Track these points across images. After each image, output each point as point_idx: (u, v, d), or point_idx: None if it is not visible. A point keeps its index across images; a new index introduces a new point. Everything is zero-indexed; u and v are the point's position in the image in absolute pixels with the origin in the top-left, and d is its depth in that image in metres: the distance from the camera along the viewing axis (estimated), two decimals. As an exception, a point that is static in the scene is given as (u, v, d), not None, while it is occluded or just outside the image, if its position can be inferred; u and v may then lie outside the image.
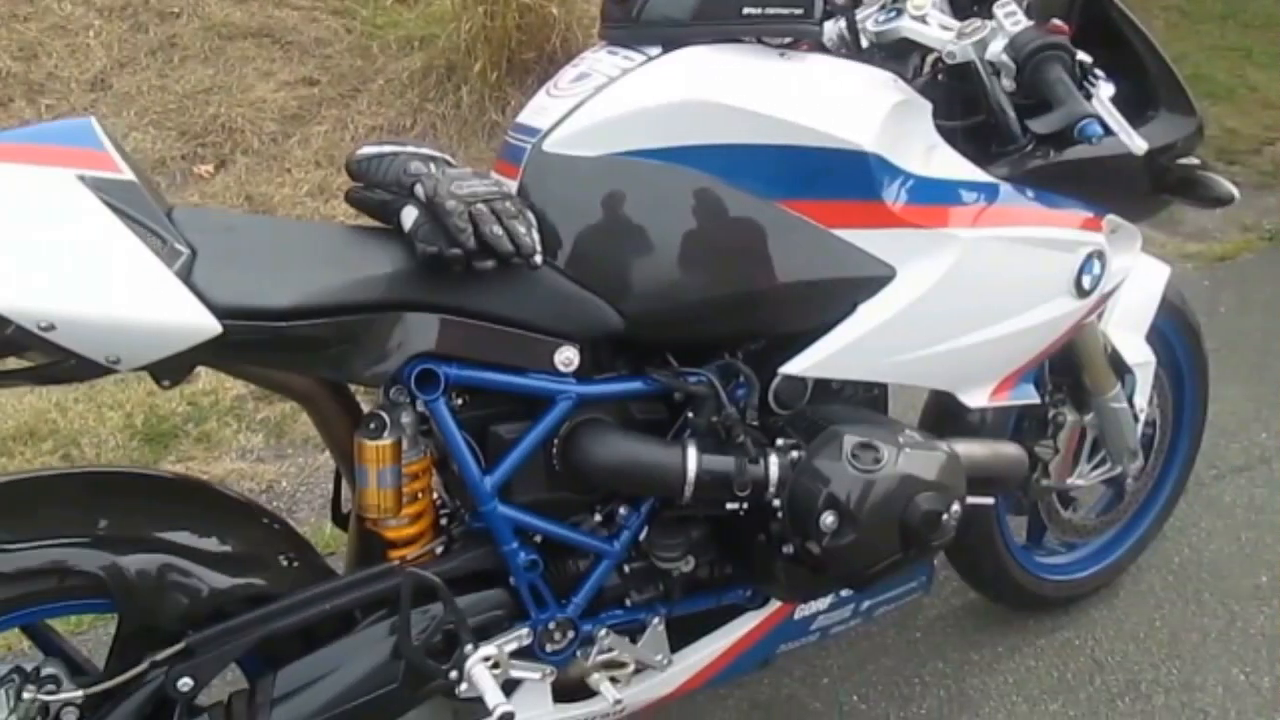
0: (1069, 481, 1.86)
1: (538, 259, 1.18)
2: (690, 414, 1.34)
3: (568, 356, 1.27)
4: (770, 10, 1.33)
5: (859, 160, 1.31)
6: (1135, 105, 1.54)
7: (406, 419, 1.25)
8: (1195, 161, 1.67)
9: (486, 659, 1.29)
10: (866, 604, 1.65)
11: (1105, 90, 1.39)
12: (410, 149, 1.24)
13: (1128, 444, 1.83)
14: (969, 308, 1.43)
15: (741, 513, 1.35)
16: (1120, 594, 2.13)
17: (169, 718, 1.18)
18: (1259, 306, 3.42)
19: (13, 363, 1.04)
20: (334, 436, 1.31)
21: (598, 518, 1.37)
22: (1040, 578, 2.00)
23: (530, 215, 1.21)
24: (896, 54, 1.50)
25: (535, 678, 1.37)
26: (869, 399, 1.51)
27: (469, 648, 1.28)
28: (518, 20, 3.74)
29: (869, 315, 1.36)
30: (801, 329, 1.36)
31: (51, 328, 0.96)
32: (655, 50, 1.33)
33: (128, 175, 1.06)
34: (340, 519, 1.45)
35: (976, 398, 1.51)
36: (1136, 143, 1.36)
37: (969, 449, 1.47)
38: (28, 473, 1.32)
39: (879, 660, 1.95)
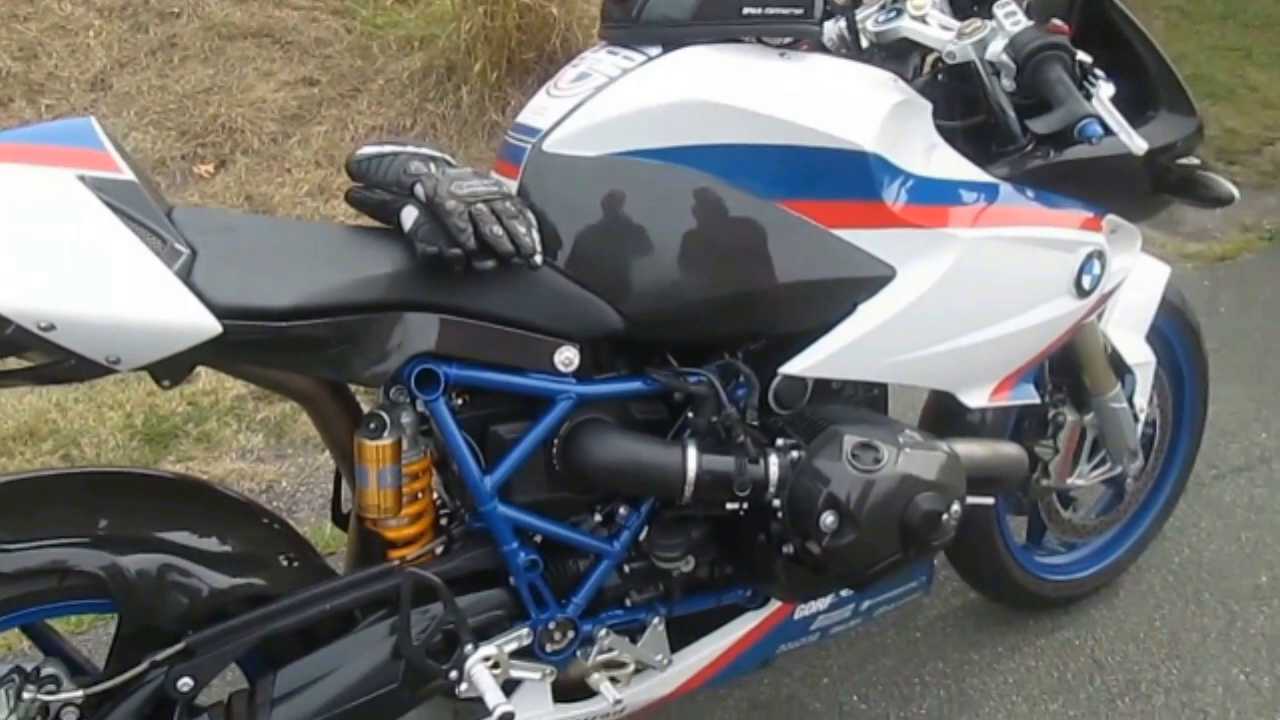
0: (1069, 481, 1.86)
1: (538, 259, 1.18)
2: (690, 414, 1.34)
3: (568, 356, 1.27)
4: (770, 10, 1.33)
5: (859, 160, 1.31)
6: (1135, 105, 1.54)
7: (406, 419, 1.25)
8: (1195, 161, 1.67)
9: (486, 659, 1.29)
10: (866, 604, 1.65)
11: (1105, 90, 1.39)
12: (410, 149, 1.24)
13: (1128, 444, 1.83)
14: (969, 308, 1.43)
15: (741, 513, 1.35)
16: (1120, 594, 2.13)
17: (169, 718, 1.18)
18: (1259, 306, 3.42)
19: (13, 363, 1.04)
20: (334, 436, 1.31)
21: (598, 518, 1.37)
22: (1040, 578, 2.00)
23: (530, 215, 1.21)
24: (896, 54, 1.50)
25: (535, 678, 1.37)
26: (869, 399, 1.51)
27: (469, 648, 1.28)
28: (518, 20, 3.74)
29: (869, 315, 1.36)
30: (801, 329, 1.36)
31: (51, 328, 0.96)
32: (655, 50, 1.33)
33: (128, 175, 1.07)
34: (340, 519, 1.45)
35: (976, 398, 1.51)
36: (1136, 143, 1.36)
37: (969, 449, 1.47)
38: (28, 473, 1.32)
39: (879, 660, 1.95)
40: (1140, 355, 1.81)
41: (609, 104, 1.29)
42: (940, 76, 1.49)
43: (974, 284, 1.41)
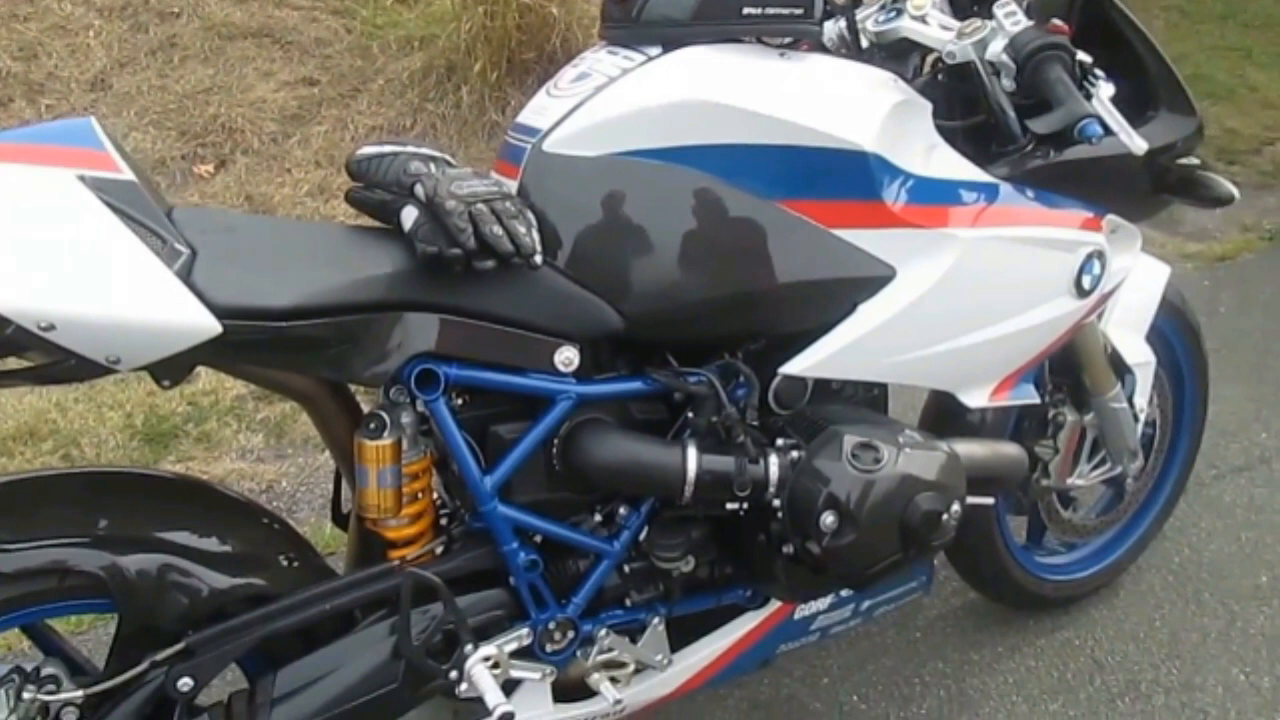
0: (1069, 481, 1.86)
1: (538, 259, 1.18)
2: (690, 414, 1.34)
3: (568, 356, 1.27)
4: (770, 10, 1.33)
5: (859, 160, 1.31)
6: (1135, 105, 1.54)
7: (406, 419, 1.25)
8: (1195, 161, 1.67)
9: (486, 659, 1.29)
10: (866, 604, 1.65)
11: (1105, 90, 1.39)
12: (410, 149, 1.24)
13: (1128, 444, 1.83)
14: (969, 308, 1.43)
15: (741, 513, 1.35)
16: (1120, 594, 2.13)
17: (169, 718, 1.18)
18: (1259, 306, 3.42)
19: (13, 363, 1.04)
20: (334, 436, 1.31)
21: (598, 518, 1.37)
22: (1040, 578, 2.00)
23: (530, 215, 1.21)
24: (896, 54, 1.50)
25: (535, 678, 1.37)
26: (869, 399, 1.51)
27: (469, 648, 1.28)
28: (518, 20, 3.74)
29: (869, 315, 1.36)
30: (801, 329, 1.36)
31: (51, 328, 0.96)
32: (655, 50, 1.33)
33: (128, 175, 1.07)
34: (340, 519, 1.45)
35: (976, 398, 1.51)
36: (1136, 143, 1.36)
37: (969, 449, 1.47)
38: (28, 473, 1.31)
39: (879, 660, 1.95)
40: (1140, 355, 1.81)
41: (609, 104, 1.29)
42: (940, 76, 1.49)
43: (974, 284, 1.41)
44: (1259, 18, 6.02)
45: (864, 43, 1.50)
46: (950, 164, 1.42)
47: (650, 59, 1.32)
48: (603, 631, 1.40)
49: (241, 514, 1.32)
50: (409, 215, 1.17)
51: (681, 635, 1.48)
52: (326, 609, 1.23)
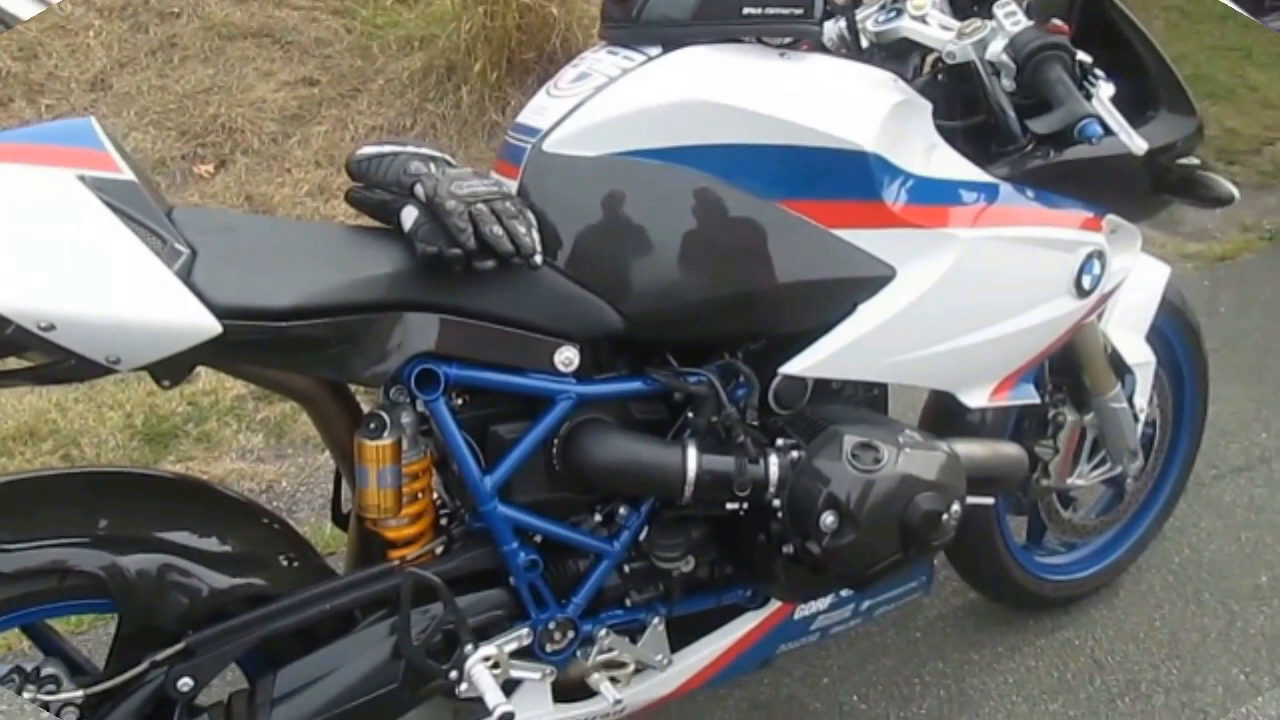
0: (1069, 481, 1.86)
1: (538, 259, 1.18)
2: (690, 414, 1.34)
3: (568, 356, 1.27)
4: (770, 10, 1.33)
5: (859, 160, 1.31)
6: (1135, 105, 1.54)
7: (406, 419, 1.25)
8: (1195, 161, 1.66)
9: (486, 659, 1.29)
10: (866, 604, 1.65)
11: (1105, 90, 1.39)
12: (410, 149, 1.24)
13: (1128, 444, 1.83)
14: (969, 308, 1.43)
15: (741, 513, 1.35)
16: (1120, 594, 2.13)
17: (169, 718, 1.18)
18: (1259, 306, 3.42)
19: (13, 363, 1.04)
20: (334, 436, 1.31)
21: (598, 518, 1.37)
22: (1040, 578, 2.00)
23: (530, 215, 1.21)
24: (896, 54, 1.50)
25: (535, 678, 1.37)
26: (869, 399, 1.51)
27: (469, 648, 1.28)
28: (518, 20, 3.74)
29: (869, 315, 1.36)
30: (801, 329, 1.36)
31: (51, 328, 0.96)
32: (655, 50, 1.33)
33: (128, 175, 1.07)
34: (340, 519, 1.45)
35: (976, 398, 1.51)
36: (1136, 143, 1.36)
37: (969, 449, 1.47)
38: (28, 473, 1.32)
39: (879, 660, 1.95)
40: (1140, 355, 1.81)
41: (609, 104, 1.29)
42: (940, 76, 1.49)
43: (974, 284, 1.41)
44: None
45: (864, 43, 1.50)
46: (950, 164, 1.42)
47: (650, 59, 1.32)
48: (603, 631, 1.40)
49: (241, 514, 1.32)
50: (409, 215, 1.17)
51: (681, 635, 1.48)
52: (326, 609, 1.24)
